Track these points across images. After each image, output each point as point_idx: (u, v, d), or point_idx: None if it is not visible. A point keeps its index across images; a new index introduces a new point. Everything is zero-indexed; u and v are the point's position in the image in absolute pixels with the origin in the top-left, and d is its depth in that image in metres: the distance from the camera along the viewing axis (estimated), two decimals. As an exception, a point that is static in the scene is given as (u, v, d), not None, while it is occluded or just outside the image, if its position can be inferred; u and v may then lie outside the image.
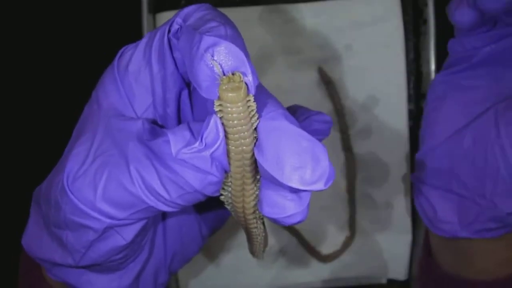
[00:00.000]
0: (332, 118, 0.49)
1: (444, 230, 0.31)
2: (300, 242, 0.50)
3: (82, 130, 0.23)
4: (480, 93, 0.30)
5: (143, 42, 0.22)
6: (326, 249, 0.51)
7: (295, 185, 0.18)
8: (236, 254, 0.50)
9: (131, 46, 0.23)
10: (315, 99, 0.49)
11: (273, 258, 0.51)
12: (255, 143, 0.19)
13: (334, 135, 0.50)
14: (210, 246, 0.50)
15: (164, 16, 0.48)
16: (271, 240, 0.50)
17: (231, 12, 0.49)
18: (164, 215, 0.27)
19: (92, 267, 0.24)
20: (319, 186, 0.18)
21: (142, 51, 0.22)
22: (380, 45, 0.49)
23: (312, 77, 0.49)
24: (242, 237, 0.50)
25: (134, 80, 0.22)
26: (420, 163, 0.33)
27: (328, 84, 0.49)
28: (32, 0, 0.51)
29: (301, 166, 0.18)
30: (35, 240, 0.25)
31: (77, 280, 0.25)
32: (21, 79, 0.52)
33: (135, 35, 0.46)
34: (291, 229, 0.50)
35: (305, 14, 0.49)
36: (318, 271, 0.51)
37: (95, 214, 0.21)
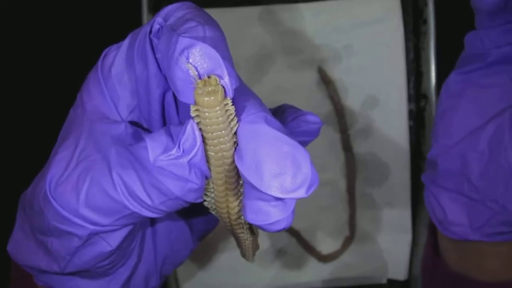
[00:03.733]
0: (332, 118, 0.49)
1: (454, 232, 0.31)
2: (300, 242, 0.50)
3: (66, 134, 0.22)
4: (498, 92, 0.29)
5: (125, 43, 0.21)
6: (326, 249, 0.50)
7: (275, 193, 0.17)
8: (236, 254, 0.50)
9: (114, 47, 0.22)
10: (315, 99, 0.49)
11: (273, 258, 0.51)
12: (235, 148, 0.18)
13: (334, 135, 0.50)
14: (209, 247, 0.50)
15: (164, 16, 0.48)
16: (271, 240, 0.50)
17: (231, 12, 0.49)
18: (153, 220, 0.26)
19: (80, 273, 0.24)
20: (300, 193, 0.17)
21: (125, 52, 0.21)
22: (380, 45, 0.49)
23: (312, 77, 0.49)
24: (242, 237, 0.50)
25: (118, 82, 0.21)
26: (431, 163, 0.32)
27: (328, 84, 0.49)
28: (33, 0, 0.51)
29: (281, 173, 0.17)
30: (21, 246, 0.24)
31: (64, 286, 0.25)
32: (19, 80, 0.52)
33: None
34: (291, 229, 0.50)
35: (305, 14, 0.49)
36: (318, 271, 0.51)
37: (78, 221, 0.20)
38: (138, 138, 0.20)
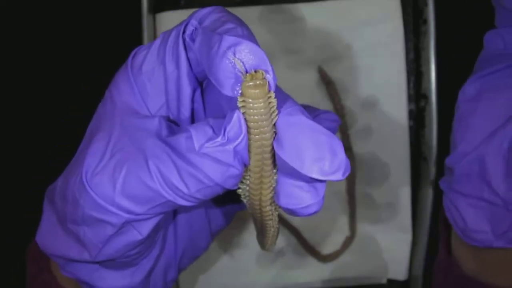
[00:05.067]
0: (332, 118, 0.49)
1: (477, 239, 0.30)
2: (300, 242, 0.50)
3: (97, 127, 0.23)
4: None
5: (157, 42, 0.22)
6: (326, 249, 0.51)
7: (316, 175, 0.19)
8: (236, 254, 0.50)
9: (144, 46, 0.23)
10: (315, 99, 0.49)
11: (273, 258, 0.51)
12: (274, 138, 0.20)
13: (334, 135, 0.50)
14: (210, 247, 0.50)
15: (164, 16, 0.48)
16: (271, 240, 0.50)
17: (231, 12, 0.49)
18: (175, 212, 0.27)
19: (106, 263, 0.25)
20: (338, 176, 0.19)
21: (156, 51, 0.22)
22: (380, 45, 0.49)
23: (312, 77, 0.49)
24: (242, 237, 0.50)
25: (148, 79, 0.22)
26: (449, 168, 0.31)
27: (328, 84, 0.49)
28: (33, 0, 0.51)
29: (320, 158, 0.19)
30: (50, 237, 0.25)
31: (90, 276, 0.26)
32: (19, 80, 0.52)
33: (135, 35, 0.46)
34: (291, 229, 0.50)
35: (305, 14, 0.49)
36: (318, 271, 0.51)
37: (114, 209, 0.21)
38: (172, 132, 0.21)
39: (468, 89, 0.30)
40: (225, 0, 0.50)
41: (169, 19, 0.48)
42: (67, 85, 0.51)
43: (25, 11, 0.52)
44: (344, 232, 0.50)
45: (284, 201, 0.21)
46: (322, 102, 0.49)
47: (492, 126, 0.29)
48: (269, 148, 0.20)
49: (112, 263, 0.25)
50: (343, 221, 0.50)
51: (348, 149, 0.49)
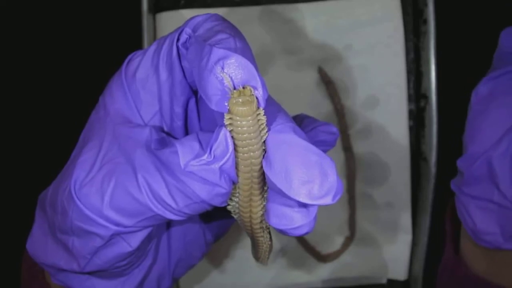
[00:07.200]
0: (332, 118, 0.49)
1: (486, 241, 0.30)
2: (300, 242, 0.50)
3: (89, 135, 0.23)
4: None
5: (151, 50, 0.22)
6: (326, 249, 0.51)
7: (303, 199, 0.18)
8: (236, 255, 0.50)
9: (139, 53, 0.23)
10: (315, 99, 0.49)
11: (273, 258, 0.51)
12: (263, 156, 0.19)
13: (334, 135, 0.50)
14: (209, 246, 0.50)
15: (164, 16, 0.48)
16: (271, 240, 0.50)
17: (231, 12, 0.49)
18: (168, 222, 0.27)
19: (96, 273, 0.24)
20: (327, 200, 0.18)
21: (150, 58, 0.22)
22: (380, 45, 0.49)
23: (312, 77, 0.49)
24: (241, 238, 0.50)
25: (142, 87, 0.22)
26: (460, 170, 0.31)
27: (328, 84, 0.49)
28: (33, 0, 0.51)
29: (309, 181, 0.18)
30: (40, 245, 0.25)
31: (81, 285, 0.25)
32: (19, 80, 0.52)
33: (135, 35, 0.46)
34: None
35: (305, 14, 0.49)
36: (318, 271, 0.51)
37: (102, 221, 0.21)
38: (162, 143, 0.21)
39: (481, 90, 0.30)
40: (225, 0, 0.50)
41: (169, 19, 0.48)
42: (67, 85, 0.51)
43: (25, 11, 0.52)
44: (344, 232, 0.50)
45: (274, 221, 0.20)
46: (322, 102, 0.49)
47: (502, 129, 0.28)
48: (258, 167, 0.19)
49: (103, 273, 0.24)
50: (343, 221, 0.50)
51: (348, 149, 0.49)
